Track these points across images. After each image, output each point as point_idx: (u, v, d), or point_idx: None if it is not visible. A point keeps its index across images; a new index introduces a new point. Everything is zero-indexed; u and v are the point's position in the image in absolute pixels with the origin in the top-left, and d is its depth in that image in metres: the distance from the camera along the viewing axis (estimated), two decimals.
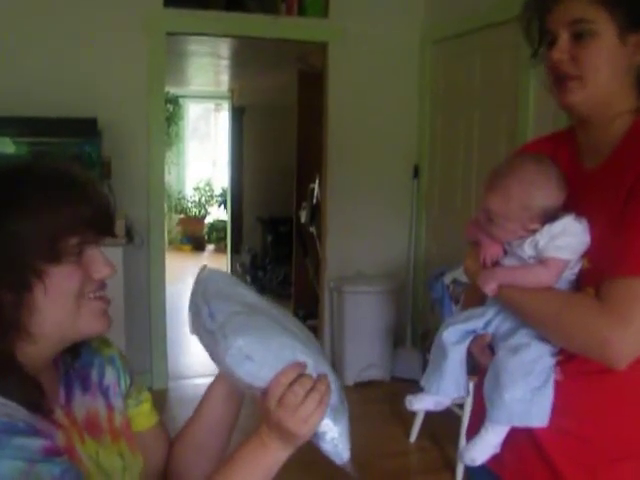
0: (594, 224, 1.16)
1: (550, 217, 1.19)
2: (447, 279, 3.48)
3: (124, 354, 1.20)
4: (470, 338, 1.26)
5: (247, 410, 1.16)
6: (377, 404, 4.09)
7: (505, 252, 1.24)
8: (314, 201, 5.37)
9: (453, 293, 3.42)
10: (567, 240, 1.15)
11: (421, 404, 1.32)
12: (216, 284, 1.08)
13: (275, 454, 0.98)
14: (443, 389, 1.27)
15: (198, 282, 1.09)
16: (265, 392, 0.97)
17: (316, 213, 5.24)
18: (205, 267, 1.11)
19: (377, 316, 4.39)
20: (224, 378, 1.13)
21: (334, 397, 1.03)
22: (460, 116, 4.32)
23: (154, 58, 4.10)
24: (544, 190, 1.19)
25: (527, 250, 1.19)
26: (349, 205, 4.57)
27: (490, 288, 1.20)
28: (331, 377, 1.04)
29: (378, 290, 4.38)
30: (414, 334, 4.67)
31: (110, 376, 1.13)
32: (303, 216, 5.63)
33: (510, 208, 1.19)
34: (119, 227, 3.62)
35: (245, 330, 0.98)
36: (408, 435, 3.60)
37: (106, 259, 1.01)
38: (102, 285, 1.01)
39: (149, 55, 4.08)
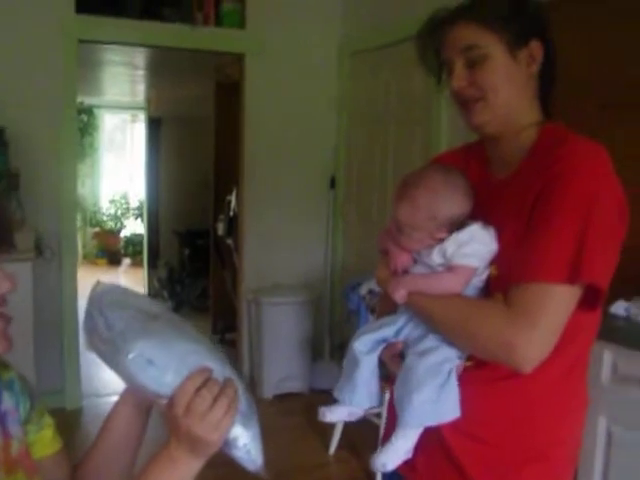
0: (502, 232, 1.19)
1: (458, 226, 1.21)
2: (363, 290, 3.51)
3: (27, 375, 1.13)
4: (382, 347, 1.26)
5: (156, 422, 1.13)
6: (296, 416, 4.07)
7: (415, 261, 1.26)
8: (231, 213, 5.33)
9: (369, 303, 3.45)
10: (474, 247, 1.18)
11: (335, 415, 1.31)
12: (112, 297, 1.05)
13: (186, 467, 0.96)
14: (356, 399, 1.27)
15: (92, 297, 1.05)
16: (171, 400, 0.95)
17: (233, 225, 5.20)
18: (99, 282, 1.08)
19: (295, 327, 4.38)
20: (128, 396, 1.10)
21: (242, 402, 1.01)
22: (376, 128, 4.38)
23: (66, 66, 3.98)
24: (451, 200, 1.21)
25: (435, 258, 1.20)
26: (266, 216, 4.55)
27: (399, 295, 1.21)
28: (238, 382, 1.02)
29: (296, 301, 4.37)
30: (332, 345, 4.68)
31: (8, 402, 1.05)
32: (220, 228, 5.58)
33: (418, 218, 1.21)
34: (27, 240, 3.49)
35: (146, 334, 0.96)
36: (327, 446, 3.59)
37: (5, 273, 0.96)
38: (1, 301, 0.96)
39: (61, 63, 3.96)
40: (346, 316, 3.97)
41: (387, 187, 4.27)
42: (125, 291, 1.11)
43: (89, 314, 1.04)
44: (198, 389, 0.94)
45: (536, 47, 1.23)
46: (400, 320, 1.25)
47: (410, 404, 1.16)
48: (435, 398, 1.16)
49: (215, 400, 0.94)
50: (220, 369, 0.99)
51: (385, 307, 1.36)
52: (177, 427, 0.94)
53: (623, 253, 1.19)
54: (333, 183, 4.72)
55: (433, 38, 1.29)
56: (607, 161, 1.17)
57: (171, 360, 0.95)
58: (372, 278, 3.62)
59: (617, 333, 1.97)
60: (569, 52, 2.66)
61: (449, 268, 1.19)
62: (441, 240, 1.21)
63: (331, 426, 3.61)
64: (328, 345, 4.68)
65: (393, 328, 1.25)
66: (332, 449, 3.57)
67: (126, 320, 0.98)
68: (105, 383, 4.40)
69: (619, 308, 2.07)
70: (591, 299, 1.14)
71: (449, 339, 1.18)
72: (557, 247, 1.10)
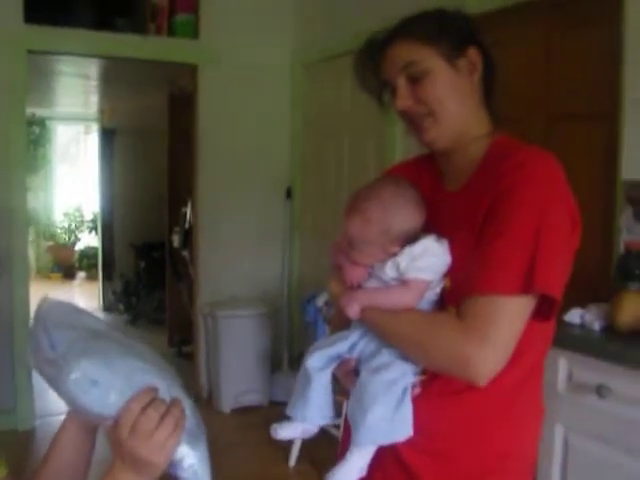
0: (455, 244, 1.18)
1: (410, 239, 1.19)
2: (320, 301, 3.50)
3: None
4: (335, 363, 1.23)
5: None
6: (255, 429, 4.02)
7: (369, 275, 1.24)
8: (186, 225, 5.28)
9: (326, 315, 3.44)
10: (428, 261, 1.16)
11: (287, 432, 1.28)
12: (57, 315, 1.01)
13: None
14: (309, 416, 1.24)
15: (38, 315, 1.01)
16: (116, 420, 0.91)
17: (189, 237, 5.14)
18: (45, 299, 1.04)
19: (253, 340, 4.34)
20: (74, 415, 1.06)
21: (189, 421, 0.98)
22: (331, 139, 4.39)
23: (14, 77, 3.89)
24: (403, 213, 1.19)
25: (389, 272, 1.18)
26: (222, 228, 4.51)
27: (353, 311, 1.19)
28: (185, 401, 0.99)
29: (253, 314, 4.33)
30: (291, 357, 4.65)
31: None
32: (176, 240, 5.52)
33: (369, 232, 1.19)
34: None
35: (89, 353, 0.92)
36: (287, 459, 3.55)
37: None
38: None
39: (9, 74, 3.87)
40: (303, 328, 3.94)
41: (342, 198, 4.26)
42: (72, 308, 1.07)
43: (33, 332, 1.00)
44: (144, 408, 0.91)
45: (474, 54, 1.23)
46: (354, 335, 1.23)
47: (363, 422, 1.13)
48: (389, 417, 1.13)
49: (161, 419, 0.91)
50: (167, 388, 0.96)
51: (339, 322, 1.34)
52: (121, 448, 0.91)
53: (577, 260, 1.19)
54: (289, 194, 4.70)
55: (372, 60, 1.29)
56: (558, 169, 1.16)
57: (115, 379, 0.91)
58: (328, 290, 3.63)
59: (572, 340, 1.98)
60: (518, 65, 2.74)
61: (403, 282, 1.17)
62: (394, 254, 1.18)
63: (291, 439, 3.57)
64: (286, 357, 4.65)
65: (347, 343, 1.23)
66: (292, 462, 3.54)
67: (70, 340, 0.95)
68: (59, 401, 4.27)
69: (574, 316, 2.08)
70: (545, 309, 1.14)
71: (403, 354, 1.16)
72: (510, 258, 1.09)
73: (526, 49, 2.84)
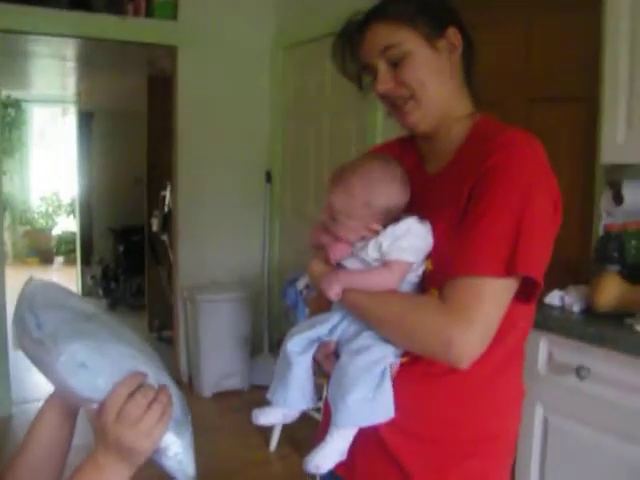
0: (437, 226, 1.17)
1: (392, 218, 1.18)
2: (300, 284, 3.49)
3: None
4: (315, 346, 1.22)
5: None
6: (236, 413, 4.02)
7: (351, 255, 1.22)
8: (166, 209, 5.23)
9: (307, 298, 3.43)
10: (410, 241, 1.15)
11: (268, 418, 1.26)
12: (44, 295, 0.99)
13: (114, 475, 0.91)
14: (290, 401, 1.23)
15: (23, 294, 1.00)
16: (102, 405, 0.90)
17: (168, 221, 5.10)
18: (31, 279, 1.02)
19: (233, 324, 4.32)
20: (54, 400, 1.04)
21: (177, 410, 0.97)
22: (311, 122, 4.36)
23: None
24: (387, 189, 1.19)
25: (371, 253, 1.17)
26: (201, 212, 4.47)
27: (334, 292, 1.17)
28: (173, 389, 0.98)
29: (233, 298, 4.31)
30: (271, 341, 4.64)
31: None
32: (155, 224, 5.47)
33: (353, 205, 1.18)
34: None
35: (79, 336, 0.91)
36: (268, 443, 3.55)
37: None
38: None
39: None
40: (284, 312, 3.93)
41: (323, 180, 4.25)
42: (59, 289, 1.06)
43: (19, 312, 0.98)
44: (131, 394, 0.90)
45: (453, 34, 1.22)
46: (334, 317, 1.22)
47: (344, 404, 1.12)
48: (370, 397, 1.12)
49: (149, 406, 0.90)
50: (155, 374, 0.95)
51: (319, 303, 1.33)
52: (106, 434, 0.89)
53: (557, 243, 1.18)
54: (269, 177, 4.67)
55: (350, 44, 1.27)
56: (541, 152, 1.16)
57: (104, 364, 0.90)
58: None
59: (552, 322, 1.99)
60: (499, 48, 2.73)
61: (385, 263, 1.16)
62: (375, 232, 1.17)
63: (272, 424, 3.58)
64: (267, 341, 4.64)
65: (327, 326, 1.21)
66: (273, 446, 3.54)
67: (58, 320, 0.93)
68: (36, 387, 4.25)
69: (554, 298, 2.09)
70: (527, 291, 1.13)
71: (385, 336, 1.15)
72: (493, 240, 1.09)
73: (507, 32, 2.84)
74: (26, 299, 0.99)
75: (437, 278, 1.15)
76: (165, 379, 0.99)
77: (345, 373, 1.13)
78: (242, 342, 4.37)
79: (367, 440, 1.20)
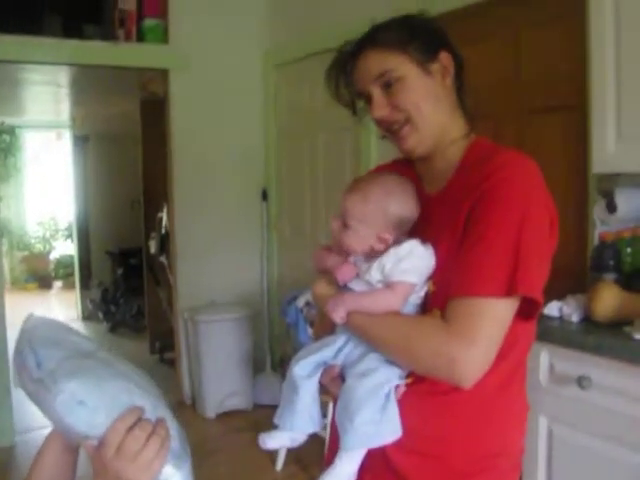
0: (438, 248, 1.19)
1: (402, 233, 1.21)
2: (300, 302, 3.49)
3: None
4: (321, 370, 1.23)
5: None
6: (241, 433, 4.01)
7: (356, 277, 1.24)
8: (163, 230, 5.25)
9: (307, 316, 3.44)
10: (413, 263, 1.16)
11: (275, 442, 1.27)
12: (44, 332, 1.01)
13: None
14: (297, 425, 1.23)
15: (23, 331, 1.01)
16: (101, 441, 0.91)
17: (166, 242, 5.11)
18: (31, 315, 1.04)
19: (234, 344, 4.32)
20: (55, 436, 1.05)
21: (175, 442, 0.98)
22: (305, 139, 4.39)
23: None
24: (403, 199, 1.22)
25: (374, 275, 1.19)
26: (199, 233, 4.49)
27: (339, 316, 1.19)
28: (171, 422, 0.99)
29: (233, 317, 4.31)
30: (273, 359, 4.65)
31: None
32: (152, 246, 5.48)
33: (368, 210, 1.19)
34: None
35: (77, 374, 0.92)
36: (275, 463, 3.55)
37: None
38: None
39: None
40: (285, 330, 3.94)
41: (318, 197, 4.28)
42: (58, 325, 1.07)
43: (18, 349, 1.00)
44: (130, 428, 0.91)
45: (446, 58, 1.25)
46: (339, 340, 1.23)
47: (352, 427, 1.13)
48: (377, 419, 1.14)
49: (147, 440, 0.91)
50: (153, 407, 0.97)
51: (323, 325, 1.34)
52: (106, 469, 0.90)
53: (554, 254, 1.21)
54: (265, 196, 4.70)
55: (343, 72, 1.30)
56: (537, 171, 1.18)
57: (103, 400, 0.92)
58: (309, 290, 3.62)
59: (552, 333, 2.00)
60: (488, 62, 2.76)
61: (388, 285, 1.17)
62: (385, 242, 1.19)
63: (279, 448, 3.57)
64: (269, 359, 4.64)
65: (332, 349, 1.23)
66: (279, 465, 3.53)
67: (57, 358, 0.95)
68: (39, 417, 4.21)
69: (553, 308, 2.11)
70: (527, 309, 1.15)
71: (389, 357, 1.17)
72: (493, 261, 1.11)
73: (495, 45, 2.87)
74: (26, 336, 1.00)
75: (439, 299, 1.17)
76: (163, 411, 1.00)
77: (352, 396, 1.15)
78: (244, 361, 4.37)
79: (374, 460, 1.21)
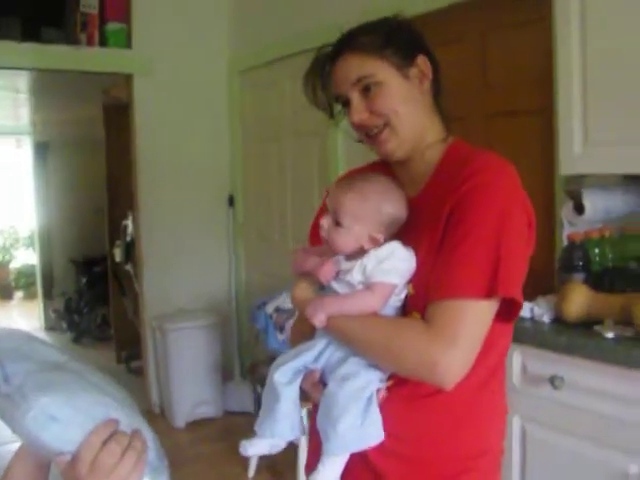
0: (418, 250, 1.19)
1: (390, 234, 1.20)
2: (269, 308, 3.47)
3: None
4: (302, 376, 1.22)
5: None
6: (212, 442, 3.97)
7: (336, 278, 1.22)
8: (128, 238, 5.17)
9: (277, 322, 3.42)
10: (394, 264, 1.16)
11: (256, 449, 1.26)
12: (9, 344, 0.97)
13: None
14: (278, 432, 1.22)
15: None
16: (75, 456, 0.87)
17: (131, 250, 5.04)
18: None
19: (203, 351, 4.28)
20: (24, 452, 1.01)
21: (152, 455, 0.96)
22: (272, 144, 4.37)
23: None
24: (397, 199, 1.22)
25: (356, 275, 1.18)
26: (165, 240, 4.44)
27: (319, 320, 1.17)
28: (147, 432, 0.97)
29: (201, 325, 4.27)
30: (242, 366, 4.61)
31: None
32: (118, 254, 5.40)
33: (365, 208, 1.18)
34: None
35: (48, 388, 0.88)
36: (247, 471, 3.51)
37: None
38: None
39: None
40: (255, 336, 3.91)
41: (286, 202, 4.26)
42: (24, 336, 1.03)
43: None
44: (105, 442, 0.88)
45: (423, 62, 1.25)
46: (319, 344, 1.22)
47: (335, 432, 1.12)
48: (359, 423, 1.13)
49: (123, 453, 0.88)
50: (128, 419, 0.94)
51: (301, 330, 1.33)
52: None
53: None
54: (231, 202, 4.66)
55: (321, 77, 1.30)
56: (515, 175, 1.19)
57: (76, 415, 0.88)
58: (277, 296, 3.60)
59: (524, 334, 2.01)
60: (456, 64, 2.77)
61: (368, 286, 1.17)
62: (376, 242, 1.18)
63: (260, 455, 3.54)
64: (238, 366, 4.61)
65: (312, 353, 1.21)
66: (251, 472, 3.50)
67: (25, 372, 0.91)
68: (4, 430, 4.11)
69: (524, 310, 2.11)
70: (506, 311, 1.16)
71: (371, 360, 1.16)
72: (474, 263, 1.11)
73: (462, 50, 2.89)
74: None
75: (419, 302, 1.17)
76: (139, 422, 0.97)
77: (334, 401, 1.13)
78: (213, 369, 4.33)
79: (356, 464, 1.20)
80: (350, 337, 1.17)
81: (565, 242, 2.29)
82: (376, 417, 1.15)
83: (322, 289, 1.25)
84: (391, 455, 1.20)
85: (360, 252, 1.20)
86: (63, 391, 0.89)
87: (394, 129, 1.23)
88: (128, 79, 4.31)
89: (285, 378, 1.21)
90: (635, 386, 1.76)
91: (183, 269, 4.50)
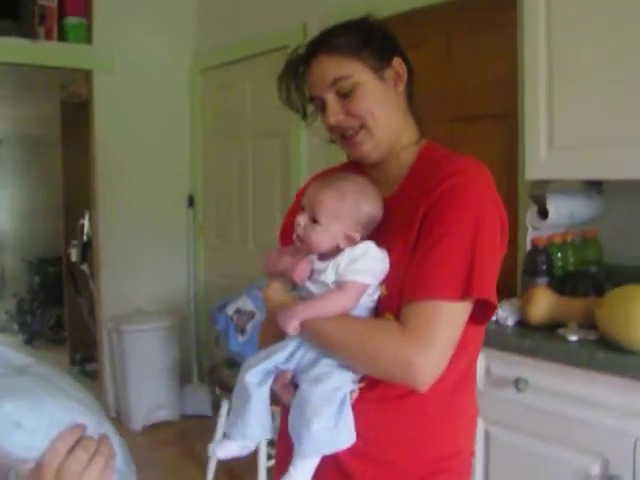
0: (391, 251, 1.18)
1: (366, 234, 1.20)
2: (230, 310, 3.42)
3: None
4: (273, 377, 1.20)
5: None
6: (169, 446, 3.90)
7: (310, 277, 1.21)
8: (85, 238, 5.07)
9: (238, 323, 3.37)
10: (367, 264, 1.15)
11: (225, 451, 1.24)
12: None
13: None
14: (249, 434, 1.20)
15: None
16: (39, 464, 0.84)
17: (88, 250, 4.94)
18: None
19: (160, 354, 4.21)
20: None
21: (119, 460, 0.92)
22: (233, 144, 4.34)
23: None
24: (376, 199, 1.21)
25: (330, 275, 1.17)
26: (123, 240, 4.35)
27: (292, 327, 1.15)
28: (115, 438, 0.93)
29: (159, 326, 4.20)
30: (200, 369, 4.56)
31: None
32: (73, 254, 5.28)
33: (343, 206, 1.18)
34: None
35: (12, 393, 0.85)
36: (204, 474, 3.46)
37: None
38: None
39: None
40: (214, 338, 3.86)
41: (247, 203, 4.23)
42: None
43: None
44: (71, 449, 0.84)
45: (399, 64, 1.25)
46: (291, 344, 1.20)
47: (308, 433, 1.11)
48: (332, 425, 1.11)
49: (90, 460, 0.85)
50: (95, 424, 0.90)
51: (270, 330, 1.31)
52: None
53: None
54: (191, 202, 4.61)
55: (295, 77, 1.28)
56: (490, 178, 1.20)
57: (41, 421, 0.85)
58: (238, 298, 3.56)
59: (488, 337, 1.98)
60: (420, 67, 2.78)
61: (339, 285, 1.15)
62: (353, 241, 1.18)
63: (206, 452, 3.49)
64: (196, 369, 4.55)
65: (284, 354, 1.19)
66: (210, 477, 3.44)
67: None
68: None
69: None
70: (480, 313, 1.16)
71: (345, 362, 1.15)
72: (450, 264, 1.11)
73: (428, 52, 2.90)
74: None
75: (391, 303, 1.16)
76: (106, 427, 0.94)
77: (307, 402, 1.12)
78: (171, 371, 4.26)
79: (327, 467, 1.18)
80: (324, 339, 1.15)
81: (529, 246, 2.31)
82: (349, 419, 1.14)
83: (295, 289, 1.24)
84: (363, 457, 1.19)
85: (334, 252, 1.19)
86: (28, 397, 0.86)
87: (370, 131, 1.23)
88: (88, 75, 4.22)
89: (256, 379, 1.19)
90: (598, 388, 1.78)
91: (141, 269, 4.43)
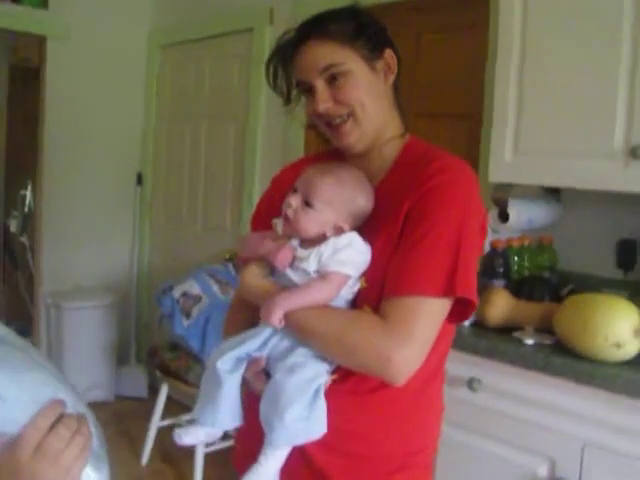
0: (373, 245, 1.17)
1: (355, 226, 1.19)
2: (176, 293, 3.36)
3: None
4: (245, 364, 1.18)
5: None
6: (103, 426, 3.65)
7: (292, 265, 1.19)
8: (26, 209, 4.90)
9: (184, 307, 3.32)
10: (351, 255, 1.14)
11: (192, 437, 1.21)
12: None
13: None
14: (220, 420, 1.18)
15: None
16: (16, 439, 0.80)
17: (28, 222, 4.77)
18: None
19: (98, 332, 4.11)
20: None
21: (95, 441, 0.89)
22: (187, 124, 4.25)
23: None
24: (369, 192, 1.21)
25: (312, 264, 1.15)
26: (67, 214, 4.22)
27: (276, 319, 1.12)
28: (91, 418, 0.90)
29: (98, 304, 4.10)
30: (139, 350, 4.47)
31: None
32: (13, 225, 5.10)
33: (339, 194, 1.16)
34: None
35: None
36: (139, 457, 3.40)
37: None
38: None
39: None
40: (158, 320, 3.79)
41: (198, 185, 4.16)
42: None
43: None
44: (52, 426, 0.81)
45: (390, 56, 1.25)
46: (265, 332, 1.17)
47: (281, 423, 1.09)
48: (305, 416, 1.10)
49: (70, 439, 0.82)
50: (72, 402, 0.87)
51: (239, 316, 1.30)
52: (19, 471, 0.79)
53: None
54: (140, 179, 4.50)
55: (284, 61, 1.26)
56: (474, 177, 1.21)
57: (21, 393, 0.81)
58: (185, 281, 3.49)
59: None
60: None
61: (322, 275, 1.14)
62: (340, 231, 1.17)
63: (141, 434, 3.44)
64: (134, 350, 4.46)
65: (257, 341, 1.17)
66: (145, 460, 3.39)
67: None
68: None
69: None
70: (457, 312, 1.17)
71: (323, 353, 1.14)
72: (434, 261, 1.11)
73: (397, 47, 2.90)
74: None
75: (371, 296, 1.15)
76: (83, 407, 0.91)
77: (281, 391, 1.10)
78: (108, 351, 4.17)
79: (294, 460, 1.17)
80: (303, 328, 1.14)
81: (488, 248, 2.34)
82: (322, 410, 1.13)
83: (271, 275, 1.22)
84: (332, 451, 1.19)
85: (318, 239, 1.18)
86: (8, 367, 0.82)
87: (357, 121, 1.21)
88: (41, 41, 4.05)
89: (228, 366, 1.17)
90: (551, 392, 1.82)
91: (84, 245, 4.30)
